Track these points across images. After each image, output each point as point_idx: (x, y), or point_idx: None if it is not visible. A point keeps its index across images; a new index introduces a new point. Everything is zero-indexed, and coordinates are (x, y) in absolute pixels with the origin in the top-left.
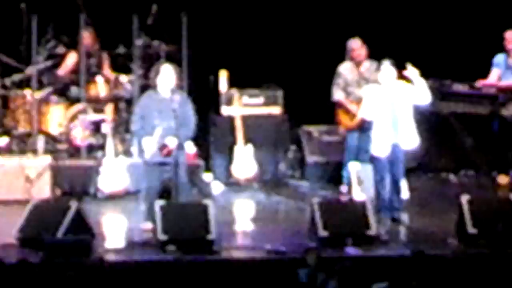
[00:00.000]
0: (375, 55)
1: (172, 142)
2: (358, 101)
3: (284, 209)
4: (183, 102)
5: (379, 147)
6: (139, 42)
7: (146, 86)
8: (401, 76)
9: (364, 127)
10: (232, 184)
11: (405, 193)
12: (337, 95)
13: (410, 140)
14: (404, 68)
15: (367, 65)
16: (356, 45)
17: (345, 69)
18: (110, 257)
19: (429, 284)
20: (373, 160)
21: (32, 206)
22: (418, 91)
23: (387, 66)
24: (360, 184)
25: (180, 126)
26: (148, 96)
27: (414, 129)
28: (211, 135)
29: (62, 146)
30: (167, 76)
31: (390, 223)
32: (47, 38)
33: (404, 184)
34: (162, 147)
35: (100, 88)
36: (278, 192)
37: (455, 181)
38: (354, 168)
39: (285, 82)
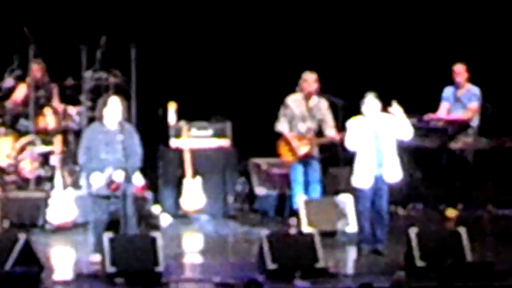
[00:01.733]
0: (326, 88)
1: (119, 177)
2: (300, 136)
3: (232, 241)
4: (129, 134)
5: (361, 179)
6: (87, 74)
7: (95, 118)
8: (385, 110)
9: (308, 161)
10: (181, 216)
11: (353, 226)
12: (281, 126)
13: (393, 173)
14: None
15: (316, 101)
16: (310, 77)
17: (293, 101)
18: None
19: None
20: (355, 191)
21: None
22: (401, 127)
23: (371, 98)
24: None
25: (127, 158)
26: (94, 129)
27: (398, 163)
28: (159, 167)
29: (11, 178)
30: (114, 108)
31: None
32: (12, 68)
33: (352, 216)
34: (110, 182)
35: (48, 120)
36: (226, 224)
37: (404, 213)
38: (301, 201)
39: (233, 115)
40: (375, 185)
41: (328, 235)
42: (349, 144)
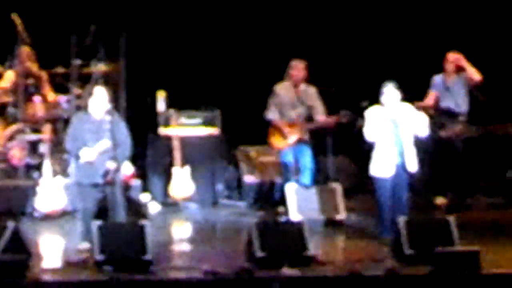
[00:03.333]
0: (312, 77)
1: (111, 166)
2: (291, 123)
3: (221, 229)
4: (116, 123)
5: (382, 168)
6: (76, 62)
7: (82, 106)
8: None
9: (299, 147)
10: (169, 205)
11: (342, 214)
12: (271, 114)
13: (411, 162)
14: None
15: (304, 88)
16: (298, 65)
17: (282, 89)
18: (47, 277)
19: None
20: (374, 181)
21: None
22: (418, 123)
23: (390, 88)
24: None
25: (116, 147)
26: (81, 118)
27: (414, 153)
28: (148, 155)
29: (0, 166)
30: (100, 98)
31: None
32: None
33: (341, 204)
34: (106, 173)
35: (37, 108)
36: (215, 212)
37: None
38: (291, 189)
39: (222, 103)
40: (395, 174)
41: (317, 223)
42: (368, 134)
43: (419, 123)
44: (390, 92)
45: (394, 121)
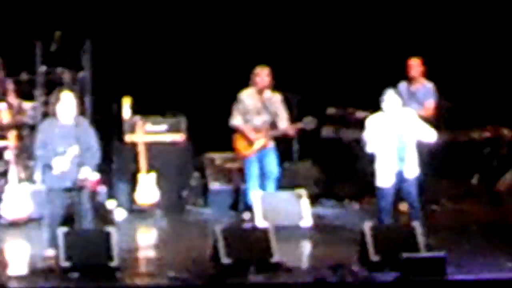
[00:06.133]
0: (279, 84)
1: (86, 173)
2: (256, 129)
3: (187, 236)
4: (85, 129)
5: (383, 177)
6: (42, 69)
7: (49, 113)
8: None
9: (264, 154)
10: (135, 211)
11: (308, 221)
12: (235, 120)
13: (412, 168)
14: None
15: (269, 95)
16: (262, 71)
17: (247, 95)
18: (13, 284)
19: None
20: (377, 189)
21: None
22: (423, 129)
23: (391, 94)
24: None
25: (85, 153)
26: (49, 123)
27: (416, 158)
28: (114, 162)
29: None
30: (67, 103)
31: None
32: None
33: (307, 210)
34: (76, 179)
35: (3, 115)
36: (181, 219)
37: (358, 208)
38: (256, 195)
39: (188, 110)
40: (400, 183)
41: (283, 230)
42: (369, 142)
43: (424, 130)
44: (390, 98)
45: (396, 128)
